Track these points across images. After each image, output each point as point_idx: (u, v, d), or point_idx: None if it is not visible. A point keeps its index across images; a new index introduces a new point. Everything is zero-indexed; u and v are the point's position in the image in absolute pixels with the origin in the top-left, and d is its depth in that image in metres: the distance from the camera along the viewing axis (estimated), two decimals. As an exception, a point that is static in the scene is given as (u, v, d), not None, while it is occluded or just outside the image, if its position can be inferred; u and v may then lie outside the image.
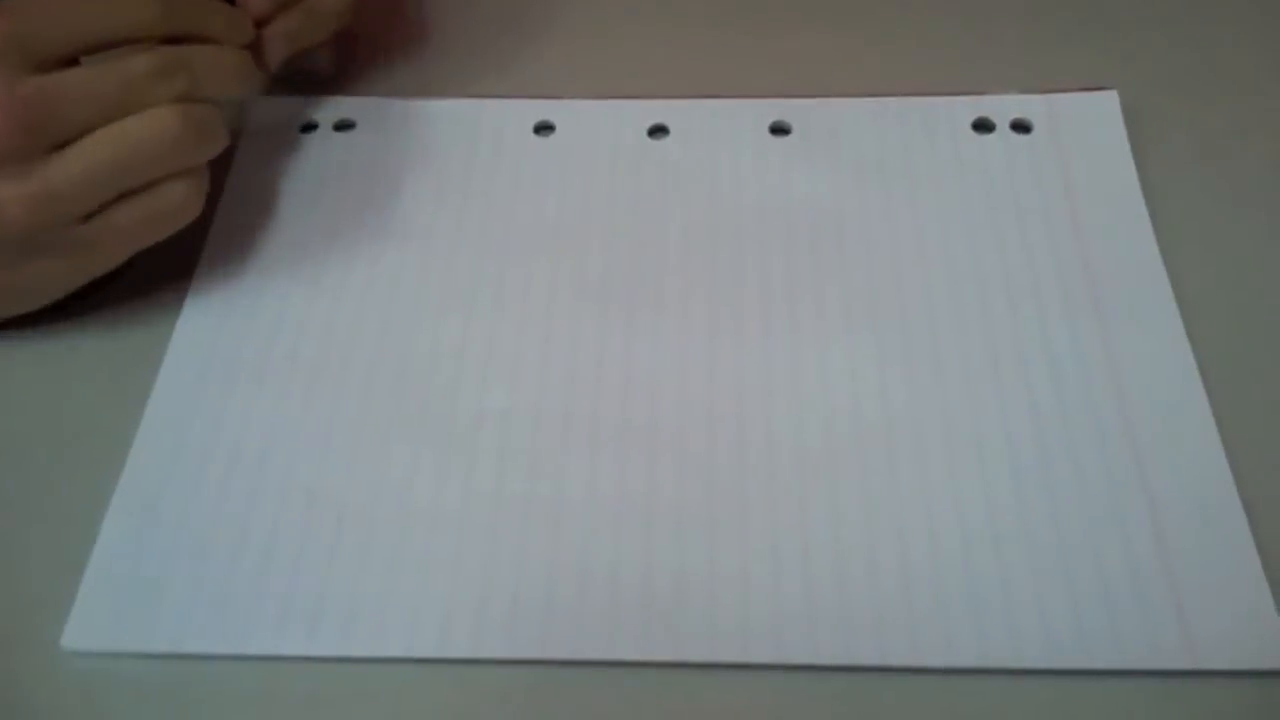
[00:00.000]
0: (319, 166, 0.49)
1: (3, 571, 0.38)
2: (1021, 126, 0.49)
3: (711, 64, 0.52)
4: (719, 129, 0.49)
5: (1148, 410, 0.40)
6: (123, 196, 0.40)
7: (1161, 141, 0.48)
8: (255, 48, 0.44)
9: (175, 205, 0.41)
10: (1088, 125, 0.48)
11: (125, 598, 0.37)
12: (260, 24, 0.45)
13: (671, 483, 0.39)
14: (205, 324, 0.44)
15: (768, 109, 0.50)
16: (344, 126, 0.50)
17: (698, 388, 0.42)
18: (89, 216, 0.39)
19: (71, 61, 0.39)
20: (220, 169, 0.47)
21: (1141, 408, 0.40)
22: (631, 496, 0.39)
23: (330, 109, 0.50)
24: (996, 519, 0.38)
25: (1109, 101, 0.49)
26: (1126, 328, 0.42)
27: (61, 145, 0.38)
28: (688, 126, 0.49)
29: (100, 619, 0.37)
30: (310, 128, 0.50)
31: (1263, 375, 0.41)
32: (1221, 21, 0.53)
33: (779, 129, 0.49)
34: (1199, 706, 0.35)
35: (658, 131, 0.49)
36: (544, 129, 0.49)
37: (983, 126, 0.49)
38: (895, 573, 0.37)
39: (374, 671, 0.36)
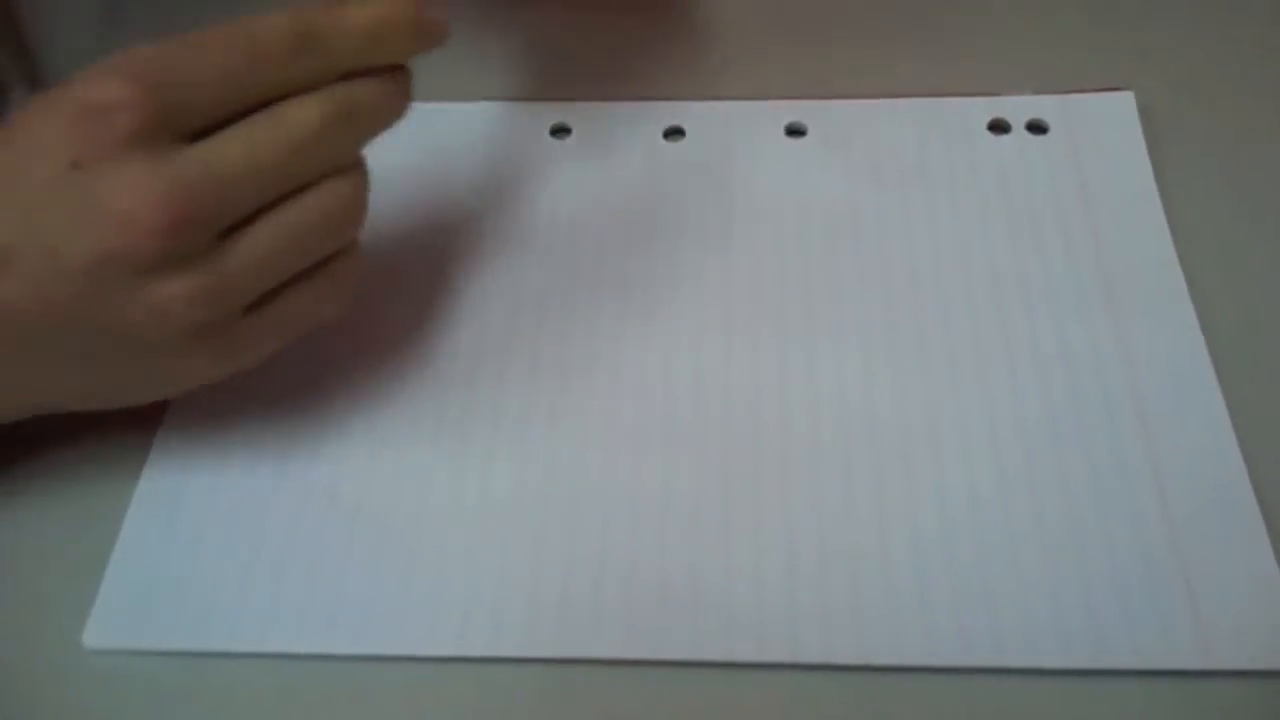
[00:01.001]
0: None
1: (25, 569, 0.39)
2: (1037, 127, 0.49)
3: (727, 65, 0.52)
4: (734, 131, 0.49)
5: (1163, 410, 0.40)
6: (287, 282, 0.36)
7: (1177, 142, 0.48)
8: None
9: (343, 288, 0.38)
10: (1103, 126, 0.48)
11: (146, 595, 0.38)
12: None
13: (686, 481, 0.40)
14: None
15: (783, 111, 0.50)
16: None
17: (714, 387, 0.42)
18: (251, 306, 0.36)
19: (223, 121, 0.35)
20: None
21: (1156, 407, 0.40)
22: (646, 495, 0.39)
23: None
24: (1011, 518, 0.38)
25: (1125, 102, 0.49)
26: (1142, 327, 0.42)
27: (227, 228, 0.34)
28: (703, 128, 0.49)
29: (121, 617, 0.37)
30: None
31: (1278, 374, 0.41)
32: (1237, 21, 0.53)
33: (795, 130, 0.49)
34: (1214, 706, 0.35)
35: (673, 134, 0.49)
36: (560, 131, 0.49)
37: (998, 127, 0.49)
38: (909, 572, 0.37)
39: (391, 670, 0.36)
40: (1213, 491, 0.38)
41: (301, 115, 0.35)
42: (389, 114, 0.37)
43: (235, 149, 0.34)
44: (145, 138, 0.32)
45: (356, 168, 0.37)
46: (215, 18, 0.52)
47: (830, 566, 0.37)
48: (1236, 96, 0.50)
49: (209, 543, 0.39)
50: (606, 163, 0.48)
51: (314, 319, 0.38)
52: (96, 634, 0.37)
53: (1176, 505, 0.38)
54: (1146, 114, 0.48)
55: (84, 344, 0.35)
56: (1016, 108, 0.49)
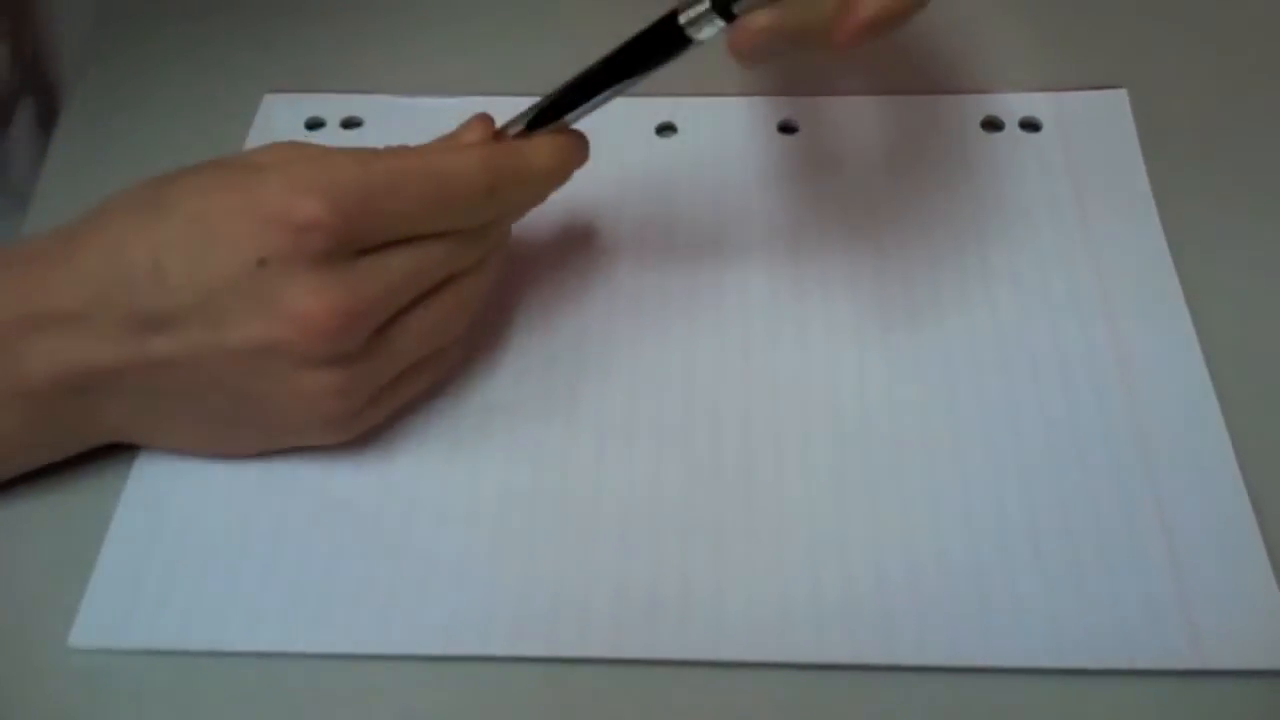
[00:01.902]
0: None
1: (12, 569, 0.39)
2: (1031, 125, 0.49)
3: (720, 62, 0.52)
4: (727, 127, 0.49)
5: (1156, 409, 0.40)
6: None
7: (1170, 140, 0.48)
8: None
9: (447, 367, 0.42)
10: (1097, 124, 0.48)
11: (133, 596, 0.38)
12: None
13: (676, 482, 0.39)
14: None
15: (776, 107, 0.49)
16: (351, 124, 0.50)
17: (705, 388, 0.42)
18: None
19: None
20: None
21: (1150, 406, 0.40)
22: (636, 496, 0.39)
23: (338, 106, 0.50)
24: (1004, 519, 0.38)
25: (1118, 100, 0.49)
26: (1135, 326, 0.42)
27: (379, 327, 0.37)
28: (696, 124, 0.49)
29: (108, 617, 0.37)
30: (317, 125, 0.50)
31: (1271, 374, 0.41)
32: (1230, 20, 0.53)
33: (787, 127, 0.49)
34: (1207, 706, 0.35)
35: (666, 129, 0.49)
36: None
37: (992, 125, 0.49)
38: (902, 573, 0.37)
39: (379, 669, 0.36)
40: (1206, 492, 0.38)
41: (473, 252, 0.38)
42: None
43: (404, 264, 0.36)
44: (330, 257, 0.35)
45: (486, 262, 0.40)
46: (205, 18, 0.52)
47: (822, 566, 0.37)
48: (1229, 94, 0.50)
49: (196, 543, 0.39)
50: (598, 158, 0.48)
51: (418, 396, 0.41)
52: (83, 634, 0.37)
53: (1170, 505, 0.38)
54: (1140, 112, 0.48)
55: (224, 408, 0.38)
56: (1010, 105, 0.49)
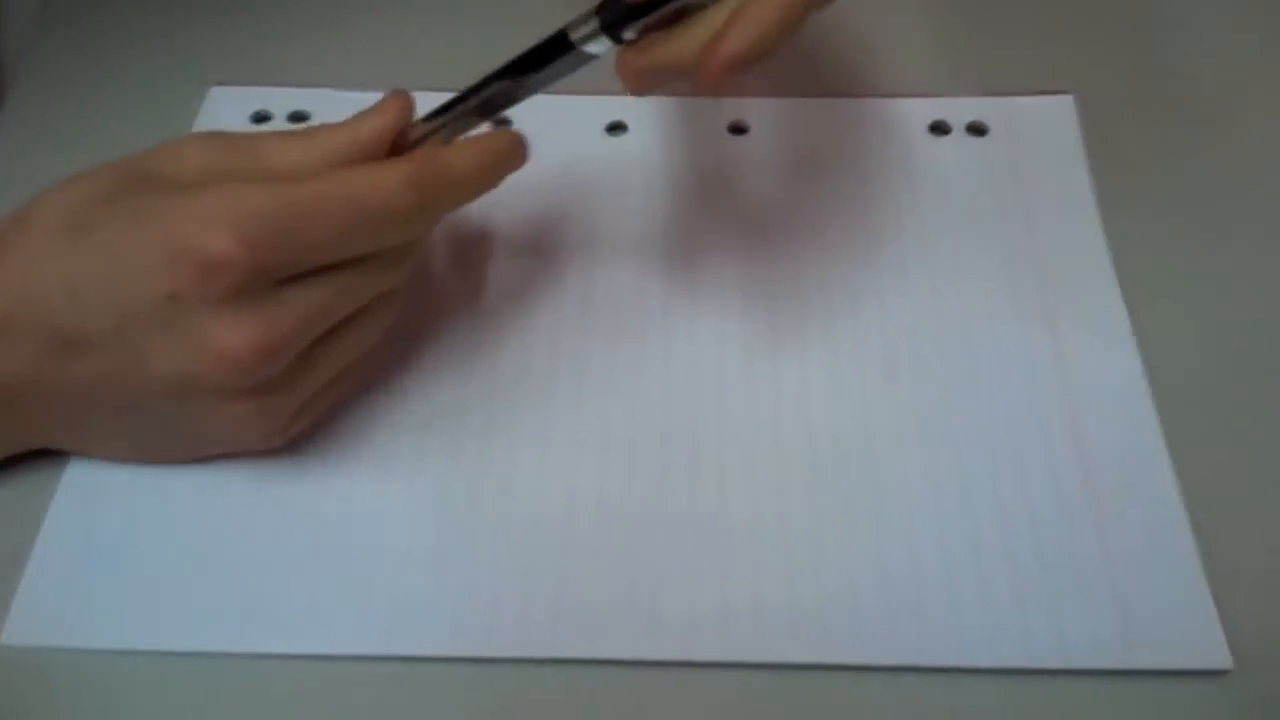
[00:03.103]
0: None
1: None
2: (977, 129, 0.49)
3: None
4: (677, 127, 0.49)
5: (1094, 412, 0.41)
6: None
7: (1114, 146, 0.48)
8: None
9: (372, 371, 0.41)
10: (1043, 129, 0.49)
11: (67, 592, 0.37)
12: None
13: (620, 485, 0.39)
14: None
15: (726, 107, 0.50)
16: (299, 118, 0.49)
17: (651, 391, 0.42)
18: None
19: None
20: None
21: (1088, 409, 0.41)
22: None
23: (285, 99, 0.50)
24: (941, 520, 0.38)
25: (1064, 106, 0.49)
26: (1076, 330, 0.43)
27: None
28: (646, 124, 0.49)
29: (41, 614, 0.37)
30: (264, 118, 0.49)
31: (1207, 377, 0.42)
32: (1175, 28, 0.53)
33: (737, 128, 0.49)
34: (1140, 705, 0.35)
35: (616, 128, 0.49)
36: (501, 124, 0.49)
37: (939, 128, 0.49)
38: (838, 572, 0.37)
39: (320, 669, 0.36)
40: (1141, 494, 0.39)
41: (390, 266, 0.37)
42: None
43: (326, 294, 0.36)
44: (243, 291, 0.34)
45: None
46: (153, 8, 0.51)
47: (761, 569, 0.38)
48: (1174, 101, 0.50)
49: (129, 542, 0.38)
50: (548, 157, 0.47)
51: (352, 396, 0.41)
52: (16, 631, 0.36)
53: (1105, 508, 0.39)
54: (1085, 117, 0.49)
55: (148, 425, 0.37)
56: (957, 109, 0.49)
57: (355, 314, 0.37)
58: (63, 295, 0.34)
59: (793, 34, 0.33)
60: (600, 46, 0.35)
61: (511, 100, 0.38)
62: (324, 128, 0.37)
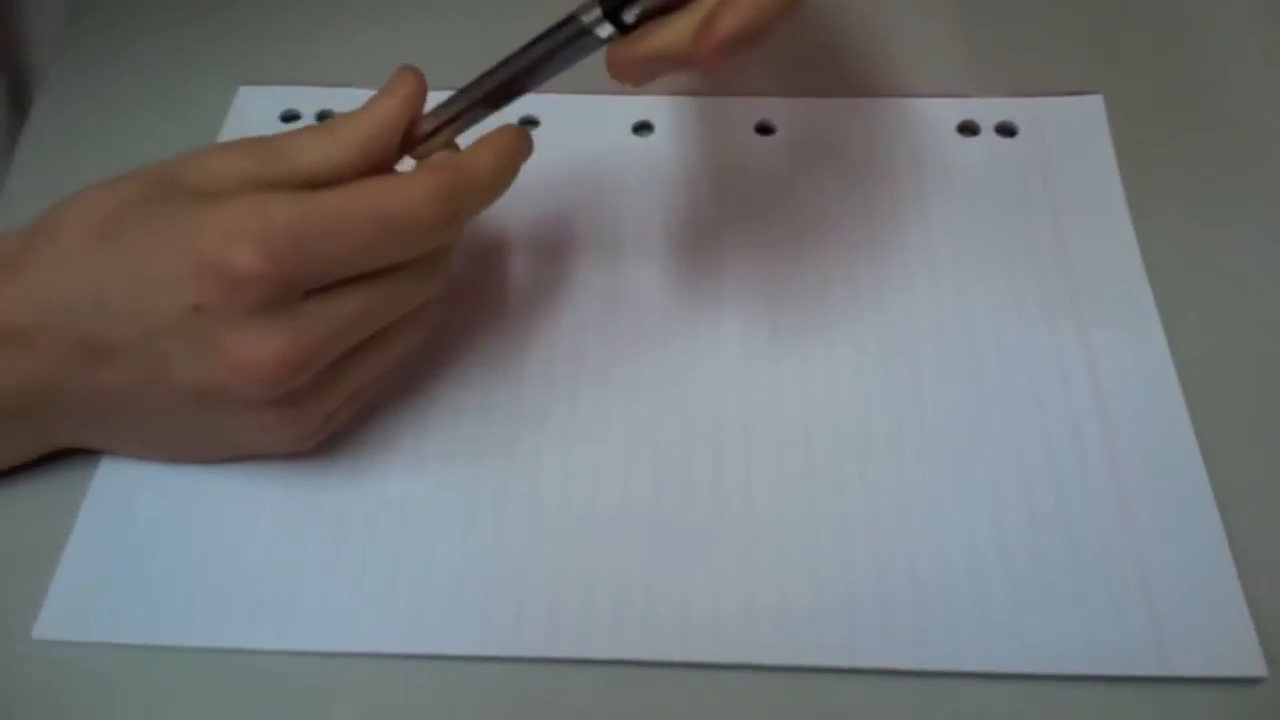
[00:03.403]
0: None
1: (-24, 561, 0.38)
2: (1006, 130, 0.49)
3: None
4: (705, 127, 0.49)
5: (1126, 416, 0.40)
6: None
7: (1145, 146, 0.48)
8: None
9: (401, 373, 0.41)
10: (1072, 129, 0.48)
11: (98, 589, 0.37)
12: None
13: (648, 488, 0.39)
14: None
15: (753, 108, 0.49)
16: (327, 117, 0.50)
17: (678, 391, 0.42)
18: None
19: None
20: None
21: (1120, 413, 0.40)
22: (609, 501, 0.39)
23: (313, 98, 0.50)
24: (972, 524, 0.38)
25: (1094, 106, 0.49)
26: (1106, 332, 0.42)
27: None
28: (673, 124, 0.49)
29: (73, 609, 0.37)
30: (292, 117, 0.50)
31: (1240, 381, 0.42)
32: (1205, 28, 0.53)
33: (764, 128, 0.49)
34: (1173, 712, 0.35)
35: (643, 128, 0.49)
36: (528, 124, 0.49)
37: (968, 129, 0.49)
38: (869, 576, 0.37)
39: (344, 666, 0.36)
40: (1173, 499, 0.39)
41: (418, 268, 0.36)
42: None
43: (355, 305, 0.35)
44: (268, 305, 0.34)
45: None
46: (181, 8, 0.51)
47: (789, 572, 0.37)
48: (1204, 101, 0.50)
49: (163, 537, 0.38)
50: (574, 156, 0.48)
51: (382, 399, 0.41)
52: (48, 626, 0.37)
53: (1137, 512, 0.38)
54: (1115, 117, 0.49)
55: (177, 430, 0.38)
56: (986, 110, 0.49)
57: (387, 327, 0.37)
58: (90, 304, 0.35)
59: (786, 14, 0.33)
60: (604, 31, 0.35)
61: (521, 89, 0.38)
62: (344, 118, 0.37)
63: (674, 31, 0.33)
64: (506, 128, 0.38)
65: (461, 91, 0.38)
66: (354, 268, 0.35)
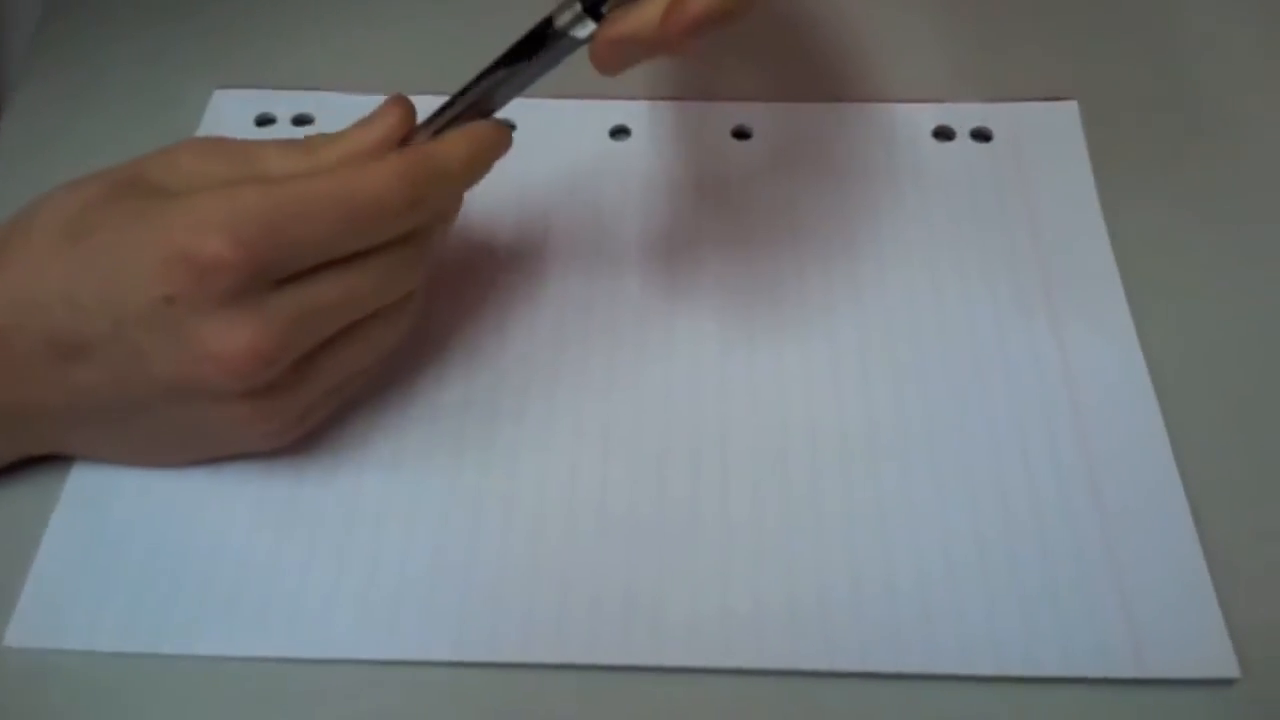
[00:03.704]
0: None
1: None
2: (982, 135, 0.49)
3: (675, 67, 0.52)
4: (682, 131, 0.49)
5: (1100, 417, 0.41)
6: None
7: (1120, 151, 0.48)
8: None
9: (380, 370, 0.41)
10: (1047, 135, 0.49)
11: (70, 595, 0.37)
12: None
13: (624, 490, 0.39)
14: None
15: (730, 112, 0.50)
16: (302, 121, 0.49)
17: (655, 395, 0.42)
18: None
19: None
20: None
21: (1094, 416, 0.41)
22: (584, 503, 0.39)
23: (289, 102, 0.50)
24: (948, 527, 0.38)
25: (1068, 111, 0.49)
26: (1080, 335, 0.43)
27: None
28: (650, 128, 0.49)
29: (44, 616, 0.37)
30: (267, 121, 0.49)
31: (1213, 383, 0.42)
32: (1179, 33, 0.53)
33: (741, 133, 0.49)
34: (1145, 714, 0.35)
35: (619, 133, 0.49)
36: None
37: (943, 134, 0.49)
38: (844, 578, 0.37)
39: (320, 673, 0.36)
40: (1147, 500, 0.39)
41: (393, 260, 0.36)
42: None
43: (328, 293, 0.35)
44: (239, 294, 0.34)
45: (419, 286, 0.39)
46: (155, 10, 0.51)
47: (766, 573, 0.37)
48: (1178, 106, 0.50)
49: (136, 542, 0.38)
50: (552, 160, 0.48)
51: (359, 396, 0.41)
52: (19, 633, 0.36)
53: (1111, 514, 0.38)
54: (1089, 123, 0.49)
55: (152, 429, 0.37)
56: (962, 115, 0.49)
57: (365, 320, 0.37)
58: (62, 302, 0.34)
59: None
60: (585, 29, 0.35)
61: (507, 96, 0.38)
62: (324, 139, 0.37)
63: (643, 14, 0.33)
64: (485, 121, 0.38)
65: (448, 103, 0.38)
66: (324, 252, 0.35)
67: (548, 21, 0.35)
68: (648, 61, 0.35)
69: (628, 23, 0.34)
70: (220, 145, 0.37)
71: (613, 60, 0.35)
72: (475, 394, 0.42)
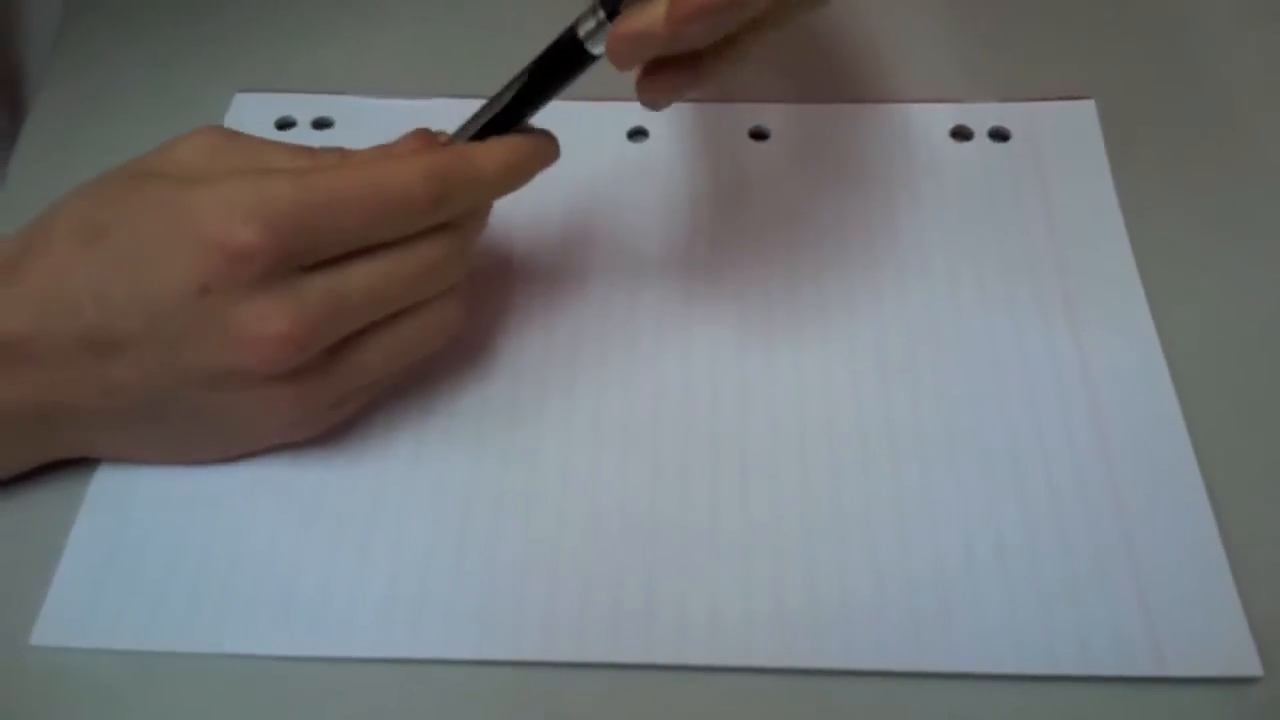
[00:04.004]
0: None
1: (-27, 568, 0.38)
2: (1000, 135, 0.49)
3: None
4: (700, 132, 0.49)
5: (1120, 417, 0.41)
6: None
7: (1138, 150, 0.48)
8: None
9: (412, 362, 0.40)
10: (1065, 134, 0.49)
11: (96, 594, 0.37)
12: None
13: (644, 489, 0.39)
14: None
15: (747, 113, 0.50)
16: (322, 124, 0.50)
17: (673, 395, 0.42)
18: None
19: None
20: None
21: (1114, 414, 0.41)
22: (605, 503, 0.39)
23: (309, 106, 0.50)
24: (968, 525, 0.38)
25: (1086, 111, 0.49)
26: (1099, 335, 0.43)
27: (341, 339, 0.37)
28: (668, 129, 0.49)
29: (71, 615, 0.37)
30: (288, 124, 0.50)
31: (1233, 382, 0.42)
32: (1196, 31, 0.53)
33: (758, 134, 0.49)
34: (1166, 712, 0.35)
35: (637, 134, 0.49)
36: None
37: (961, 134, 0.49)
38: (865, 577, 0.37)
39: (344, 672, 0.36)
40: (1168, 499, 0.39)
41: (429, 253, 0.37)
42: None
43: (360, 280, 0.36)
44: (273, 278, 0.34)
45: (459, 286, 0.39)
46: (176, 14, 0.51)
47: (786, 571, 0.37)
48: (1196, 106, 0.50)
49: (160, 541, 0.38)
50: (570, 162, 0.47)
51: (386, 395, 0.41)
52: (46, 632, 0.37)
53: (1131, 512, 0.38)
54: (1107, 122, 0.49)
55: (185, 422, 0.38)
56: (979, 115, 0.49)
57: (401, 315, 0.37)
58: (93, 301, 0.35)
59: None
60: (599, 48, 0.35)
61: (535, 106, 0.38)
62: (333, 155, 0.37)
63: (656, 9, 0.33)
64: (534, 132, 0.38)
65: (475, 115, 0.38)
66: (353, 241, 0.35)
67: (573, 30, 0.36)
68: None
69: (641, 18, 0.34)
70: (227, 137, 0.37)
71: (623, 54, 0.35)
72: (494, 396, 0.42)
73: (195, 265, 0.34)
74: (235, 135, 0.38)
